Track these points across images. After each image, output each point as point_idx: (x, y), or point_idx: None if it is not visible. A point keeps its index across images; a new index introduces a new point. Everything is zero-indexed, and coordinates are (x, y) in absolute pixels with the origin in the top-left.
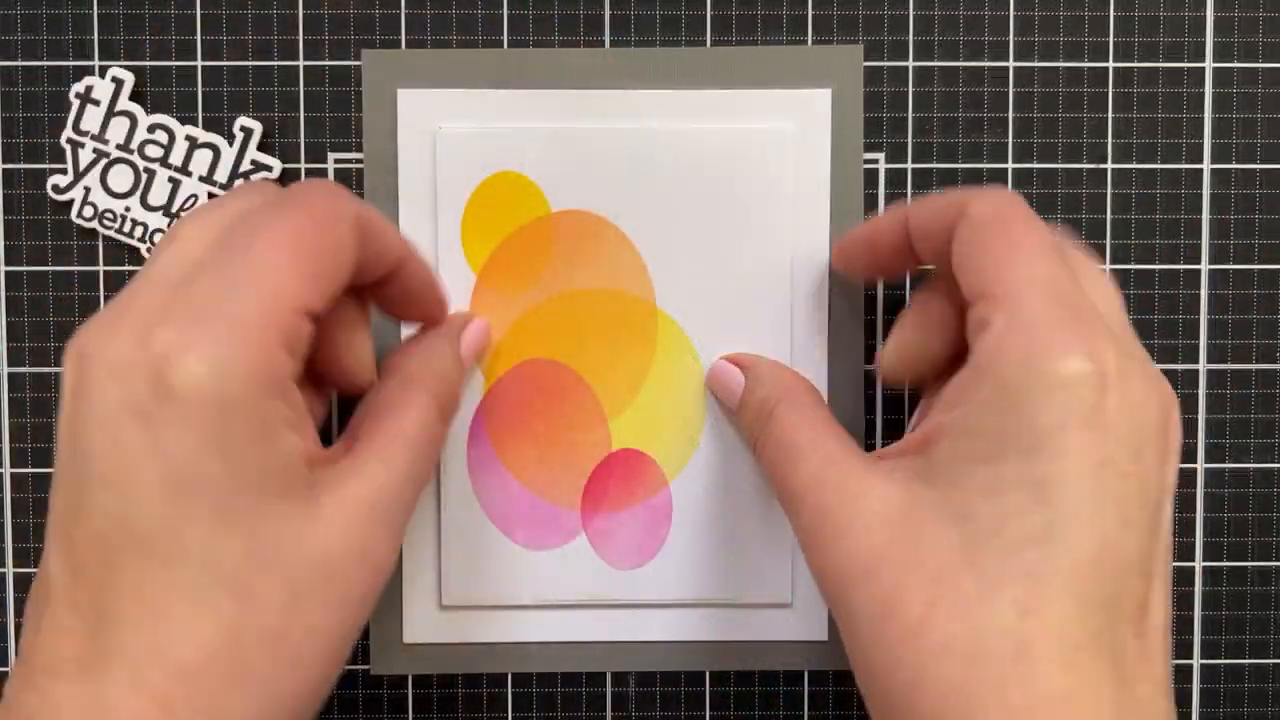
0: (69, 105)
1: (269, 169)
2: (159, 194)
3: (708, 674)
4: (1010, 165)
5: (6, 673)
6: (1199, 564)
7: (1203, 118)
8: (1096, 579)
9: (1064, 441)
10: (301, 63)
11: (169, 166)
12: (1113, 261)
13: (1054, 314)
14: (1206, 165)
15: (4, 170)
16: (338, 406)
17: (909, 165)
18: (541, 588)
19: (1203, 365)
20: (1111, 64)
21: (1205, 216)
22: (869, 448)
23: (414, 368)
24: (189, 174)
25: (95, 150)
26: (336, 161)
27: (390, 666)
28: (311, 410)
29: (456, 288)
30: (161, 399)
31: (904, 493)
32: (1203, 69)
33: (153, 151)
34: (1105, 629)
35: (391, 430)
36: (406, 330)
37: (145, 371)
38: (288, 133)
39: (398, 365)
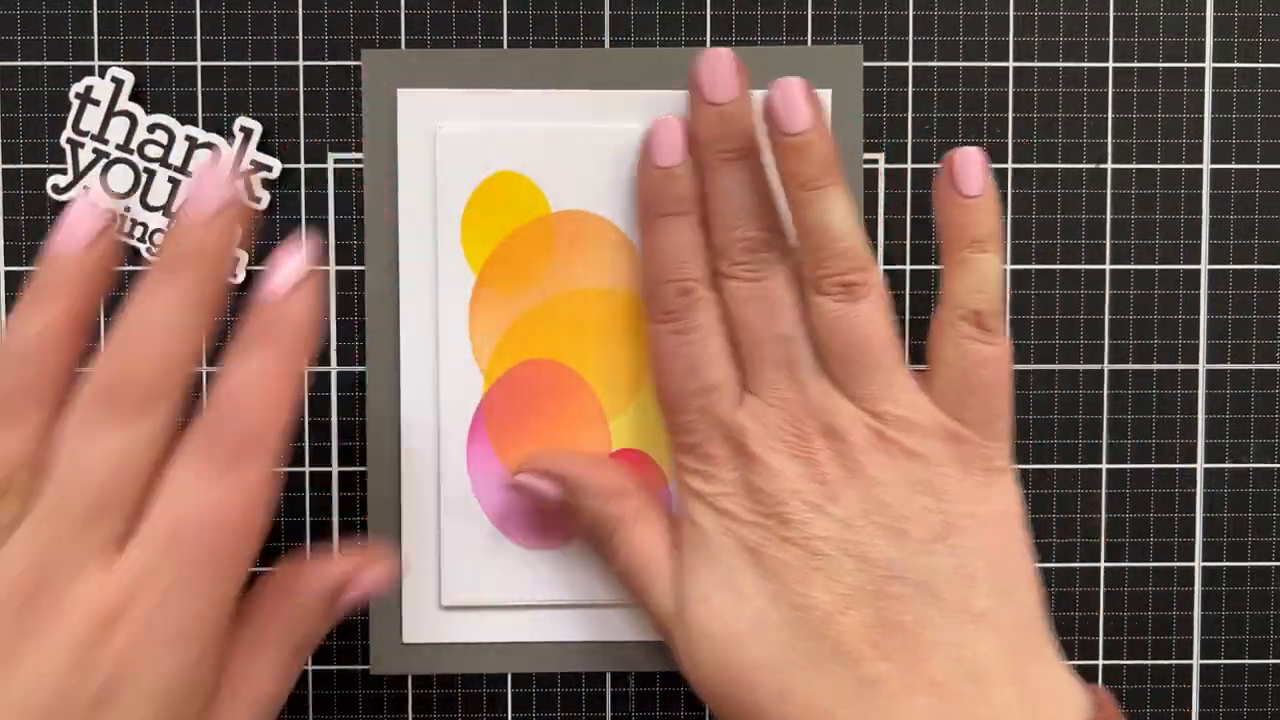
0: (69, 105)
1: (269, 169)
2: (159, 194)
3: None
4: (1010, 165)
5: None
6: (1199, 564)
7: (1202, 118)
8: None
9: None
10: (301, 63)
11: (169, 166)
12: (1113, 261)
13: None
14: (1206, 165)
15: (4, 170)
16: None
17: (909, 165)
18: (541, 588)
19: (1202, 365)
20: (1111, 64)
21: (1205, 217)
22: None
23: (268, 624)
24: (189, 174)
25: (95, 150)
26: (336, 162)
27: (390, 666)
28: None
29: (456, 288)
30: None
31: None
32: (1202, 69)
33: (152, 151)
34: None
35: (236, 695)
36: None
37: None
38: (287, 133)
39: (253, 615)
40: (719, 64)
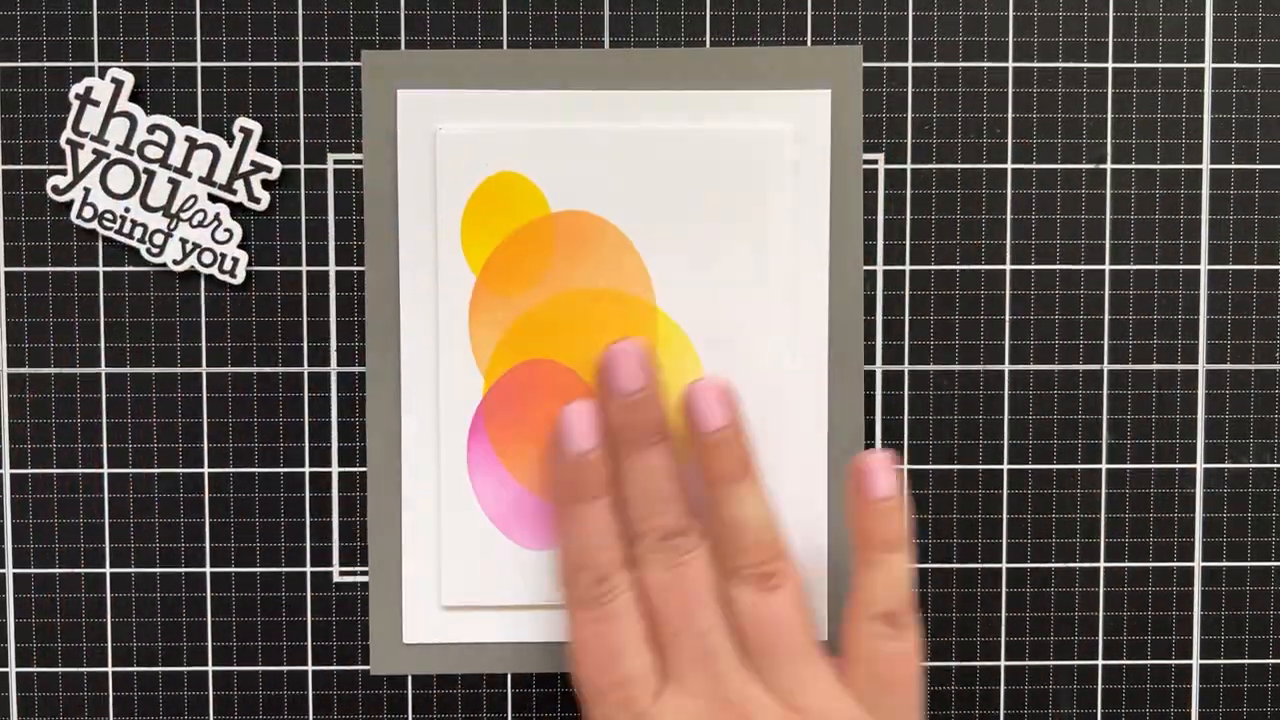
0: (69, 106)
1: (269, 169)
2: (159, 195)
3: None
4: (1010, 165)
5: (6, 673)
6: (1198, 564)
7: (1202, 118)
8: None
9: None
10: (301, 63)
11: (168, 167)
12: (1112, 261)
13: None
14: (1205, 166)
15: (4, 171)
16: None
17: (909, 165)
18: (541, 588)
19: (1202, 365)
20: (1111, 64)
21: (1204, 217)
22: (868, 447)
23: None
24: (188, 174)
25: (95, 151)
26: (336, 162)
27: (390, 666)
28: None
29: (456, 288)
30: None
31: None
32: (1202, 69)
33: (152, 152)
34: None
35: None
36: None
37: None
38: (287, 133)
39: None
40: (624, 358)
